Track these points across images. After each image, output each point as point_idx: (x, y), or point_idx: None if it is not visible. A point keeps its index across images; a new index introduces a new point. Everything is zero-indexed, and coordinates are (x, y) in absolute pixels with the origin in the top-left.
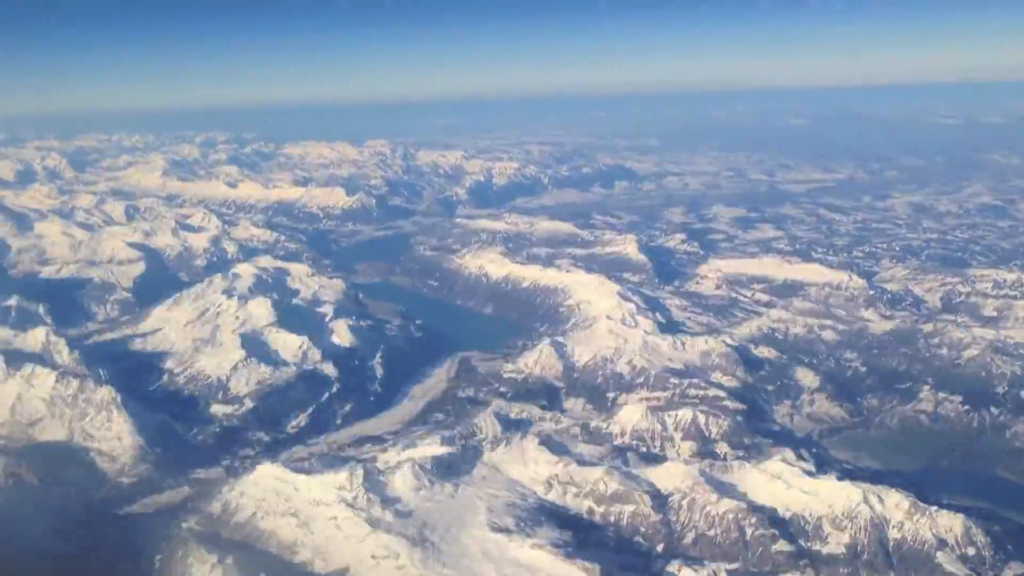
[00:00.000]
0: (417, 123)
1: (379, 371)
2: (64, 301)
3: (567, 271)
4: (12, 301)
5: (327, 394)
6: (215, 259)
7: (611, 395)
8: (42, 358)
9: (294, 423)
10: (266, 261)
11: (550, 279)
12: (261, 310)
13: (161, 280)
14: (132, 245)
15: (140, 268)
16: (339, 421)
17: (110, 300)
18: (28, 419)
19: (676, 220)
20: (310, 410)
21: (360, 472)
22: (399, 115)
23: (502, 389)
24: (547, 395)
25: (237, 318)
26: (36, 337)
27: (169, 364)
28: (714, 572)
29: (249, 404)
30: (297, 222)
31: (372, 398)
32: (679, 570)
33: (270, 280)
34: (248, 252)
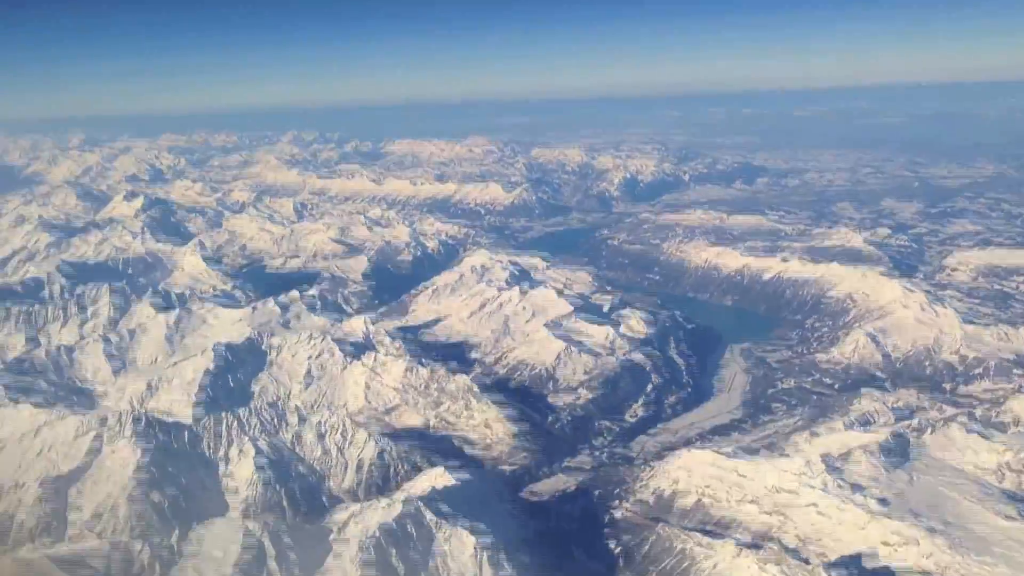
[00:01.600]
0: (486, 122)
1: (680, 361)
2: None
3: (814, 263)
4: (313, 291)
5: (650, 384)
6: (419, 253)
7: (947, 385)
8: (365, 347)
9: (631, 412)
10: (486, 254)
11: (796, 271)
12: (548, 300)
13: (383, 273)
14: (335, 240)
15: (365, 262)
16: (669, 411)
17: (346, 293)
18: (383, 406)
19: (851, 215)
20: (641, 400)
21: (817, 458)
22: (446, 115)
23: (826, 380)
24: (873, 386)
25: (524, 308)
26: (356, 326)
27: (475, 354)
28: None
29: (586, 394)
30: (457, 217)
31: (689, 389)
32: None
33: (517, 272)
34: (447, 247)
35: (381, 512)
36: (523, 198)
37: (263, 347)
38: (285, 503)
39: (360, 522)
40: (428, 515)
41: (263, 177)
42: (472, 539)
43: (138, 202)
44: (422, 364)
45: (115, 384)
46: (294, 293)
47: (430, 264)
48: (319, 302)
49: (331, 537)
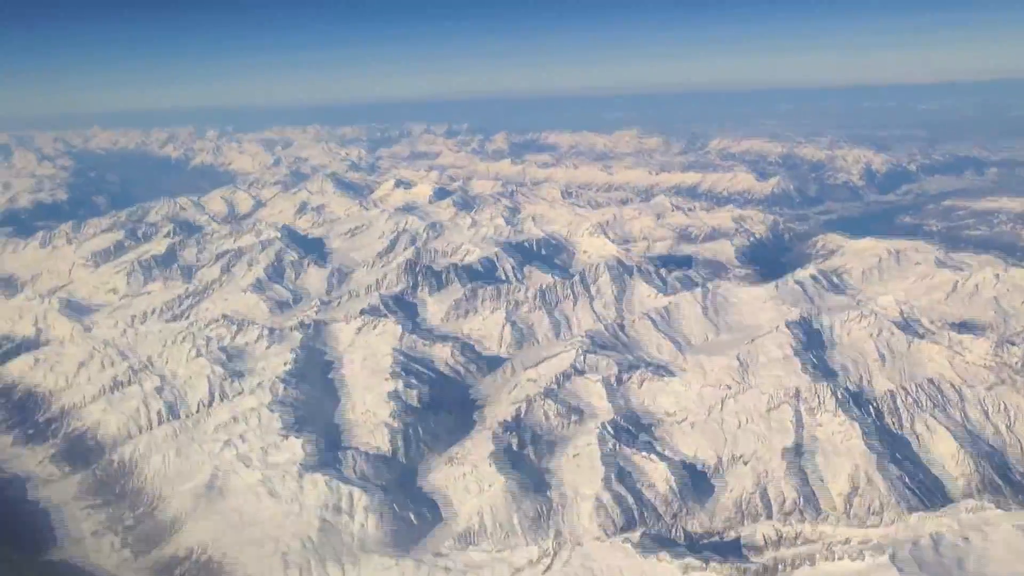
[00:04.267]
0: (578, 115)
1: None
2: None
3: None
4: (812, 269)
5: None
6: (751, 239)
7: None
8: (906, 325)
9: None
10: (839, 238)
11: None
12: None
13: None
14: (660, 226)
15: (730, 247)
16: None
17: (728, 276)
18: (980, 385)
19: None
20: None
21: None
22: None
23: None
24: None
25: (1008, 291)
26: (886, 304)
27: (991, 336)
28: None
29: None
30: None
31: None
32: None
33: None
34: (775, 231)
35: None
36: (781, 187)
37: (815, 325)
38: (1000, 483)
39: None
40: None
41: (471, 167)
42: None
43: (426, 188)
44: (1011, 343)
45: (687, 360)
46: (801, 272)
47: (761, 249)
48: (824, 280)
49: None
